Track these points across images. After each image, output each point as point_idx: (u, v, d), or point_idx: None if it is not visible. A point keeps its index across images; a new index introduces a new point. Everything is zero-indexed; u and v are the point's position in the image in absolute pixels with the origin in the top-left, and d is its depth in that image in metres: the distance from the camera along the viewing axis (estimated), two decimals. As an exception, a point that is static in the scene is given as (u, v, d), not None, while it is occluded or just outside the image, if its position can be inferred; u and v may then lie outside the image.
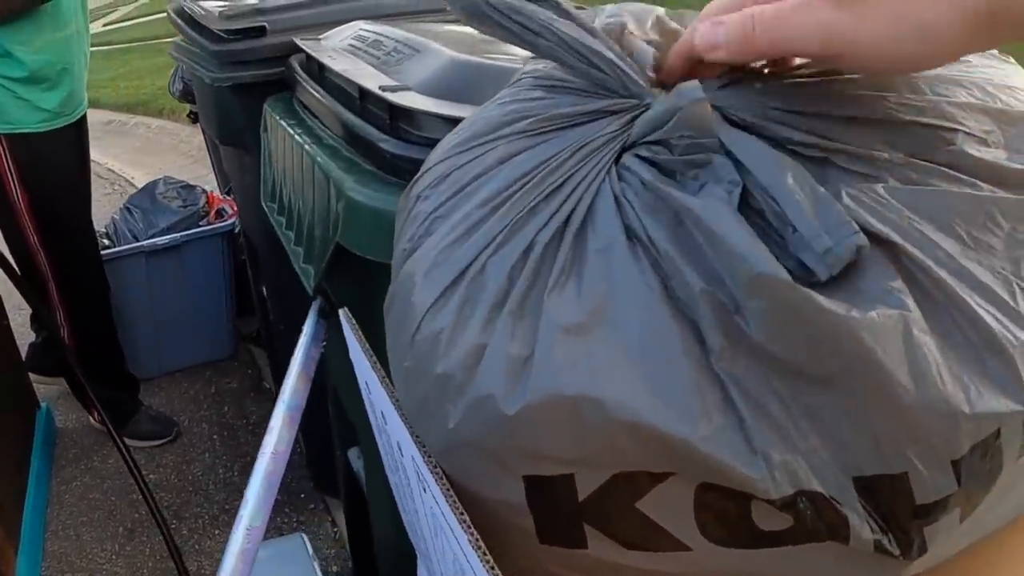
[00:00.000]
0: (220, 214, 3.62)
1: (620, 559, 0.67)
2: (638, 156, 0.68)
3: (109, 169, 6.76)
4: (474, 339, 0.67)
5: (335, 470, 2.26)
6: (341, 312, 0.97)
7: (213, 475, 3.08)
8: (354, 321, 0.93)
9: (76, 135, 3.05)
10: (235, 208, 3.51)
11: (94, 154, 7.47)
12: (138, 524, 2.91)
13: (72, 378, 3.26)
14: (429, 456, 0.71)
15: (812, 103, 0.69)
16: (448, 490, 0.67)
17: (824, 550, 0.65)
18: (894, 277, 0.62)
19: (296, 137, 1.60)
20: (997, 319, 0.63)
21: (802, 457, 0.62)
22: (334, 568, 2.57)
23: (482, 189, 0.72)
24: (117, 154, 7.14)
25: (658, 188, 0.66)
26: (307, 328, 1.27)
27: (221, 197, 3.71)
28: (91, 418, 3.42)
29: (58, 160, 2.90)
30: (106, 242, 3.53)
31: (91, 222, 3.10)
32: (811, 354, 0.61)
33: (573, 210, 0.68)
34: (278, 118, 1.79)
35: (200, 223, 3.57)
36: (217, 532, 2.78)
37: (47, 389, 3.59)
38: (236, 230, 3.52)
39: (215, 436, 3.30)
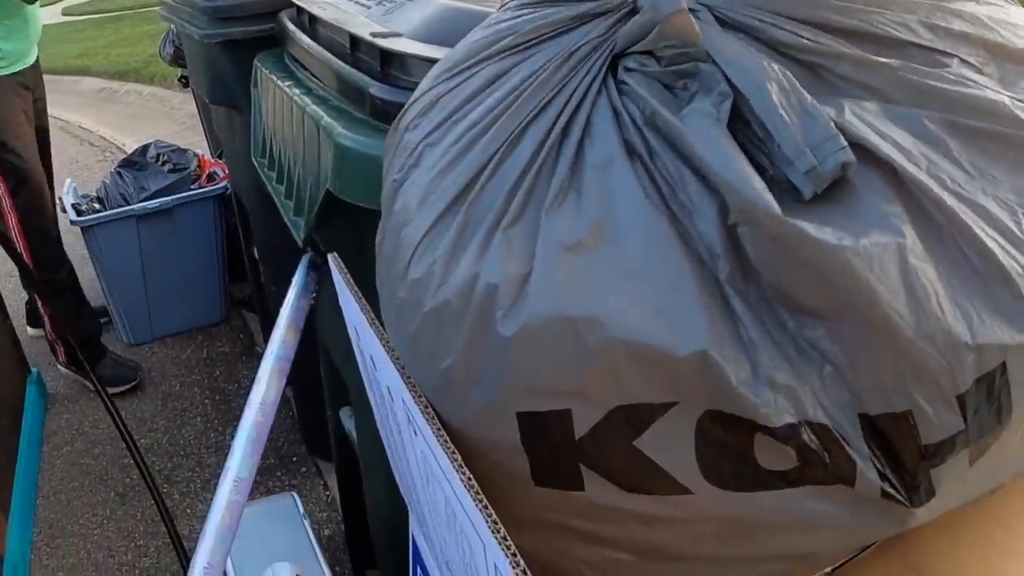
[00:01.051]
0: (212, 177, 3.58)
1: (619, 503, 0.65)
2: (631, 68, 0.66)
3: (101, 136, 6.71)
4: (471, 265, 0.65)
5: (327, 433, 2.24)
6: (330, 256, 0.95)
7: (204, 439, 3.05)
8: (343, 265, 0.91)
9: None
10: (227, 171, 3.47)
11: (86, 121, 7.47)
12: (129, 489, 2.89)
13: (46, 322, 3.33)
14: (420, 395, 0.69)
15: (810, 10, 0.66)
16: (439, 429, 0.65)
17: (829, 496, 0.63)
18: (892, 201, 0.60)
19: (286, 90, 1.57)
20: (1003, 247, 0.61)
21: (808, 387, 0.60)
22: (326, 531, 2.56)
23: (473, 111, 0.70)
24: (109, 121, 7.08)
25: (651, 103, 0.63)
26: (296, 280, 1.25)
27: (213, 160, 3.67)
28: (57, 362, 3.44)
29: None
30: (96, 206, 3.49)
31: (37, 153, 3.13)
32: (804, 285, 0.59)
33: (568, 124, 0.65)
34: (268, 72, 1.76)
35: (192, 186, 3.53)
36: (208, 496, 2.75)
37: (39, 356, 3.56)
38: (228, 193, 3.49)
39: (206, 401, 3.26)
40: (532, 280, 0.62)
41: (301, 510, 1.24)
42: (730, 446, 0.62)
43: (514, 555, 0.55)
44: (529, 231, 0.64)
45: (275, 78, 1.69)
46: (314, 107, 1.39)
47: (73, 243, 4.35)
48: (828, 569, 0.79)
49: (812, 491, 0.63)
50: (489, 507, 0.59)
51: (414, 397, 0.68)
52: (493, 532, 0.56)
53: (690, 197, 0.61)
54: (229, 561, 1.21)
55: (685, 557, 0.71)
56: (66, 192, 3.56)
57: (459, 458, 0.63)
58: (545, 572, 0.75)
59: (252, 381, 1.67)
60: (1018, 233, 0.62)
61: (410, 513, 1.11)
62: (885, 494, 0.62)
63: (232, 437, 3.09)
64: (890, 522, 0.65)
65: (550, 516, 0.69)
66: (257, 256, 2.68)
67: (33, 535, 2.71)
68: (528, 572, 0.54)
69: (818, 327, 0.59)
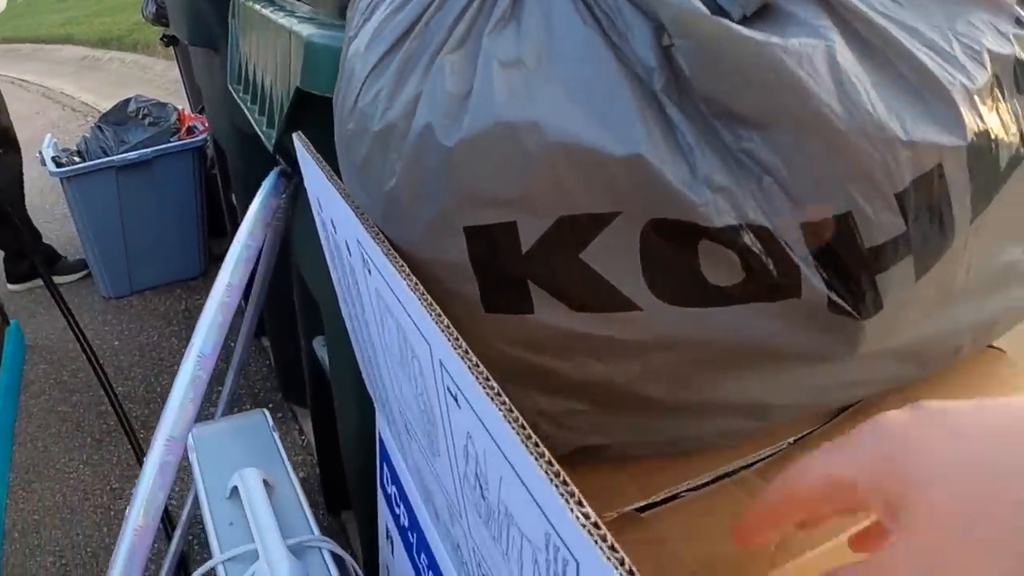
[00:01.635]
0: (191, 131, 3.58)
1: (568, 323, 0.65)
2: None
3: (83, 102, 6.70)
4: (414, 88, 0.66)
5: (303, 380, 2.26)
6: (296, 136, 0.96)
7: (183, 388, 3.08)
8: (308, 142, 0.92)
9: None
10: (206, 125, 3.48)
11: (68, 88, 7.46)
12: (105, 434, 2.90)
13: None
14: (371, 224, 0.70)
15: None
16: (390, 251, 0.66)
17: (778, 313, 0.64)
18: (822, 16, 0.61)
19: (260, 11, 1.59)
20: (935, 61, 0.62)
21: (748, 192, 0.60)
22: (300, 474, 2.57)
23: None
24: (91, 87, 7.07)
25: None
26: (266, 183, 1.26)
27: (193, 115, 3.68)
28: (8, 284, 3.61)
29: None
30: (76, 159, 3.50)
31: None
32: (737, 90, 0.59)
33: None
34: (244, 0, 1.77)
35: (171, 139, 3.54)
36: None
37: (18, 310, 3.58)
38: (207, 147, 3.50)
39: (183, 351, 3.28)
40: (473, 95, 0.63)
41: (271, 424, 1.25)
42: (675, 257, 0.62)
43: (457, 339, 0.56)
44: (471, 54, 0.64)
45: (251, 3, 1.70)
46: (286, 18, 1.40)
47: (55, 204, 4.35)
48: (791, 439, 0.80)
49: (761, 308, 0.63)
50: (445, 319, 0.59)
51: (365, 226, 0.69)
52: (437, 323, 0.57)
53: (626, 23, 0.61)
54: (196, 467, 1.23)
55: (638, 401, 0.71)
56: (46, 146, 3.55)
57: (414, 280, 0.64)
58: None
59: (230, 335, 1.69)
60: (950, 51, 0.63)
61: (377, 412, 1.13)
62: (832, 305, 0.62)
63: (207, 385, 3.11)
64: (841, 341, 0.65)
65: (504, 350, 0.69)
66: (235, 202, 2.70)
67: (8, 479, 2.72)
68: (480, 366, 0.54)
69: (755, 137, 0.60)
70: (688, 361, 0.68)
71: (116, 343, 3.42)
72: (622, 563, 0.41)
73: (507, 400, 0.51)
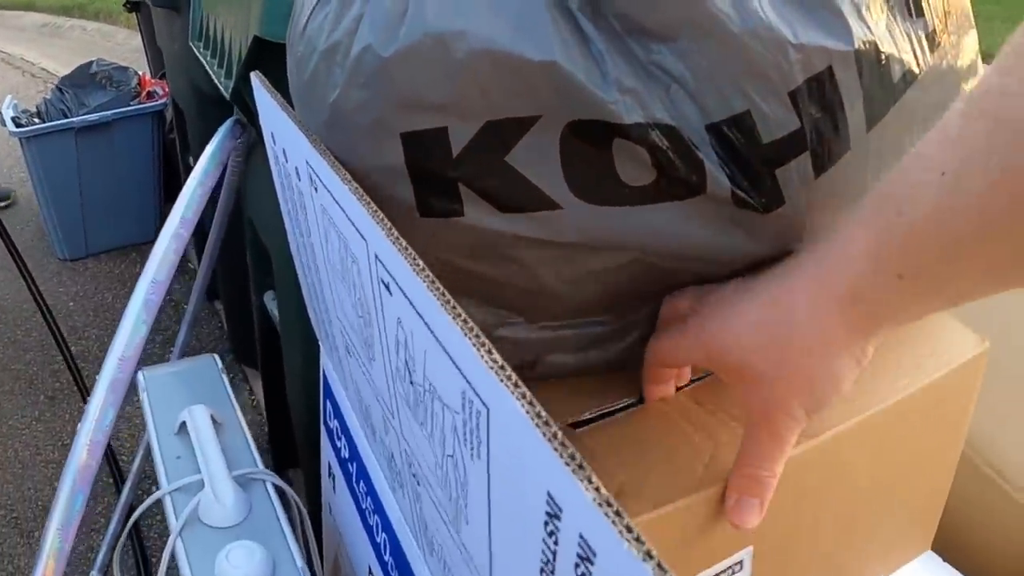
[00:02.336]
0: (151, 95, 3.60)
1: (496, 224, 0.71)
2: None
3: (43, 68, 6.63)
4: (358, 10, 0.71)
5: (253, 343, 2.30)
6: (253, 74, 1.00)
7: (135, 348, 3.09)
8: (265, 79, 0.97)
9: None
10: (166, 90, 3.49)
11: (29, 55, 7.39)
12: (59, 392, 2.92)
13: None
14: (317, 140, 0.75)
15: None
16: (334, 162, 0.71)
17: (689, 209, 0.69)
18: None
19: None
20: None
21: (656, 97, 0.66)
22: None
23: None
24: (52, 55, 7.00)
25: None
26: (222, 129, 1.30)
27: (153, 80, 3.69)
28: None
29: None
30: (36, 120, 3.50)
31: None
32: (646, 5, 0.65)
33: None
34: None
35: (131, 103, 3.55)
36: (136, 399, 2.78)
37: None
38: (166, 111, 3.51)
39: (137, 312, 3.31)
40: (408, 10, 0.68)
41: (220, 367, 1.30)
42: (592, 157, 0.68)
43: (397, 239, 0.61)
44: None
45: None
46: (247, -30, 1.44)
47: (12, 166, 4.34)
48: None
49: (672, 207, 0.69)
50: (380, 213, 0.64)
51: (311, 142, 0.74)
52: (373, 218, 0.63)
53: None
54: (147, 405, 1.27)
55: (564, 310, 0.78)
56: (6, 107, 3.55)
57: (348, 175, 0.70)
58: None
59: (183, 295, 1.73)
60: None
61: (321, 349, 1.17)
62: (737, 199, 0.68)
63: (161, 346, 3.13)
64: (749, 237, 0.71)
65: (438, 256, 0.74)
66: (192, 164, 2.72)
67: (-42, 438, 2.74)
68: (412, 253, 0.59)
69: (663, 49, 0.66)
70: (613, 268, 0.74)
71: (71, 304, 3.44)
72: (531, 404, 0.47)
73: (434, 278, 0.56)
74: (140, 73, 3.71)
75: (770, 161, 0.68)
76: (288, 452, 2.26)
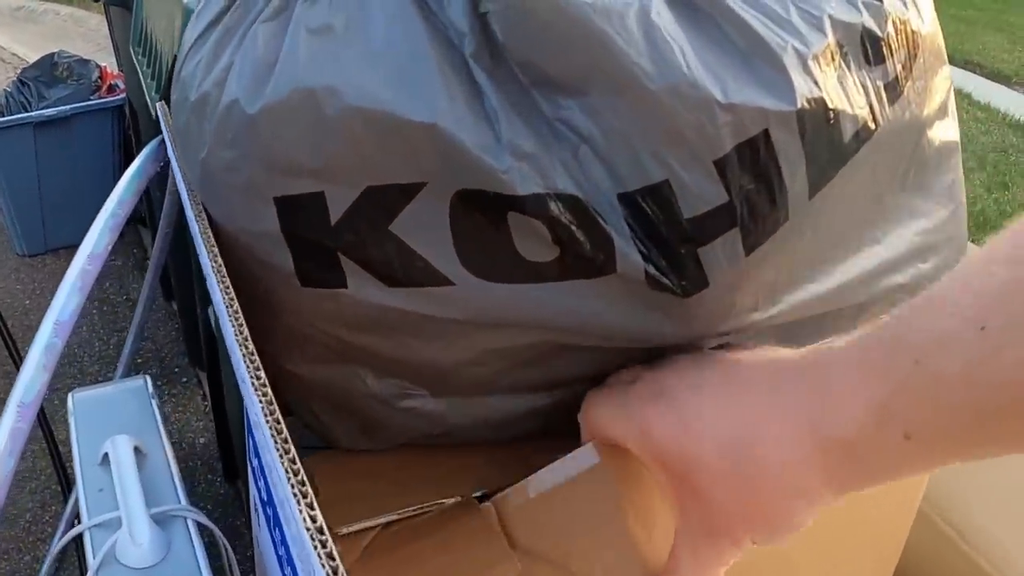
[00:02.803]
0: (112, 89, 3.53)
1: (382, 299, 0.63)
2: None
3: (13, 54, 6.56)
4: (228, 59, 0.64)
5: (208, 343, 2.25)
6: (159, 105, 0.95)
7: (89, 348, 3.03)
8: (166, 108, 0.91)
9: None
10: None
11: (1, 39, 7.30)
12: (6, 395, 2.87)
13: None
14: (193, 192, 0.69)
15: None
16: (205, 228, 0.65)
17: (597, 290, 0.61)
18: None
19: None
20: (766, 24, 0.59)
21: (557, 161, 0.57)
22: (201, 440, 2.56)
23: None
24: (25, 40, 6.92)
25: None
26: (145, 151, 1.24)
27: (116, 73, 3.62)
28: None
29: None
30: (-4, 113, 3.45)
31: None
32: (549, 52, 0.57)
33: None
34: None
35: (91, 97, 3.49)
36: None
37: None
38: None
39: (94, 311, 3.23)
40: (279, 62, 0.61)
41: (150, 391, 1.24)
42: (486, 230, 0.60)
43: (241, 326, 0.55)
44: (284, 22, 0.63)
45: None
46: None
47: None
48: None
49: (580, 286, 0.61)
50: (228, 288, 0.59)
51: (189, 194, 0.68)
52: (227, 308, 0.57)
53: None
54: (73, 432, 1.21)
55: (472, 387, 0.70)
56: (-34, 99, 3.50)
57: (211, 241, 0.64)
58: (347, 416, 0.75)
59: (141, 295, 1.69)
60: (784, 16, 0.60)
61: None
62: (652, 280, 0.59)
63: (116, 347, 3.07)
64: (666, 321, 0.62)
65: (324, 328, 0.68)
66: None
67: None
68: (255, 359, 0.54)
69: (571, 105, 0.57)
70: (516, 346, 0.66)
71: (27, 302, 3.37)
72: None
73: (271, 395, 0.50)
74: (102, 66, 3.64)
75: (692, 240, 0.59)
76: (238, 461, 2.21)
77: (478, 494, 0.72)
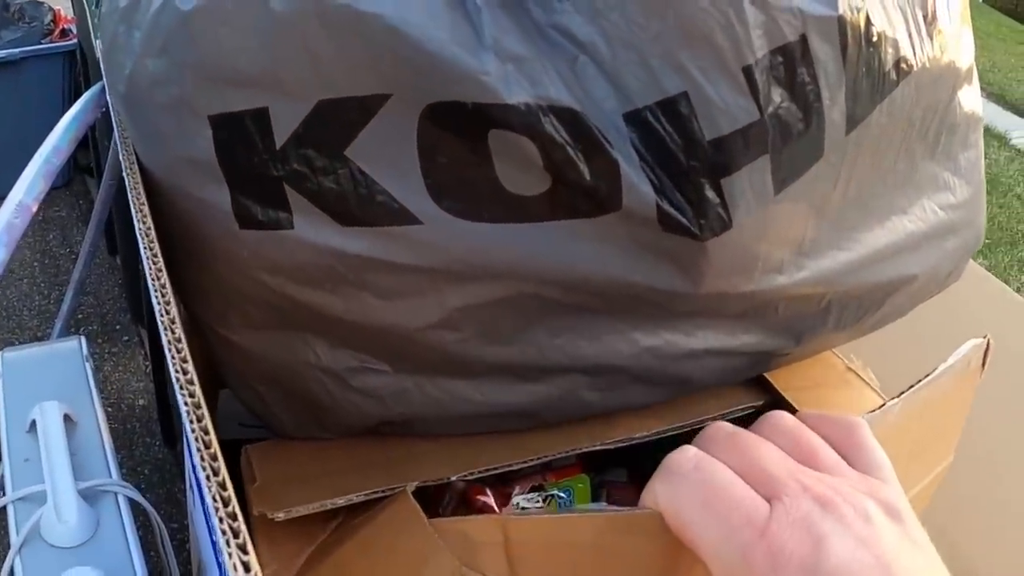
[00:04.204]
0: (65, 34, 3.41)
1: (334, 241, 0.53)
2: None
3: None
4: None
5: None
6: (96, 43, 0.86)
7: (29, 302, 2.91)
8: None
9: None
10: (81, 28, 3.32)
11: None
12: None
13: None
14: (123, 127, 0.58)
15: None
16: (132, 163, 0.55)
17: (595, 230, 0.51)
18: None
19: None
20: None
21: (552, 69, 0.48)
22: (141, 402, 2.45)
23: None
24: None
25: None
26: (85, 96, 1.14)
27: (69, 17, 3.51)
28: None
29: None
30: (-55, 58, 3.33)
31: None
32: None
33: None
34: None
35: (43, 41, 3.37)
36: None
37: None
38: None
39: (36, 263, 3.11)
40: None
41: (84, 352, 1.14)
42: (462, 154, 0.50)
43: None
44: None
45: None
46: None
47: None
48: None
49: (576, 227, 0.51)
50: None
51: (114, 114, 0.57)
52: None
53: None
54: (1, 397, 1.13)
55: (440, 360, 0.59)
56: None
57: (140, 195, 0.54)
58: (293, 396, 0.64)
59: (82, 248, 1.60)
60: None
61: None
62: (664, 218, 0.50)
63: (56, 301, 2.97)
64: (676, 273, 0.53)
65: (266, 281, 0.56)
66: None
67: None
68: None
69: (569, 8, 0.48)
70: (495, 304, 0.56)
71: (-36, 251, 3.26)
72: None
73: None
74: (55, 9, 3.52)
75: (714, 168, 0.49)
76: (177, 426, 2.13)
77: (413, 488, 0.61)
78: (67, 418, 1.00)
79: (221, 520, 0.38)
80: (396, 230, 0.52)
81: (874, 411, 0.56)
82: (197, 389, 0.43)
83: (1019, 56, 6.06)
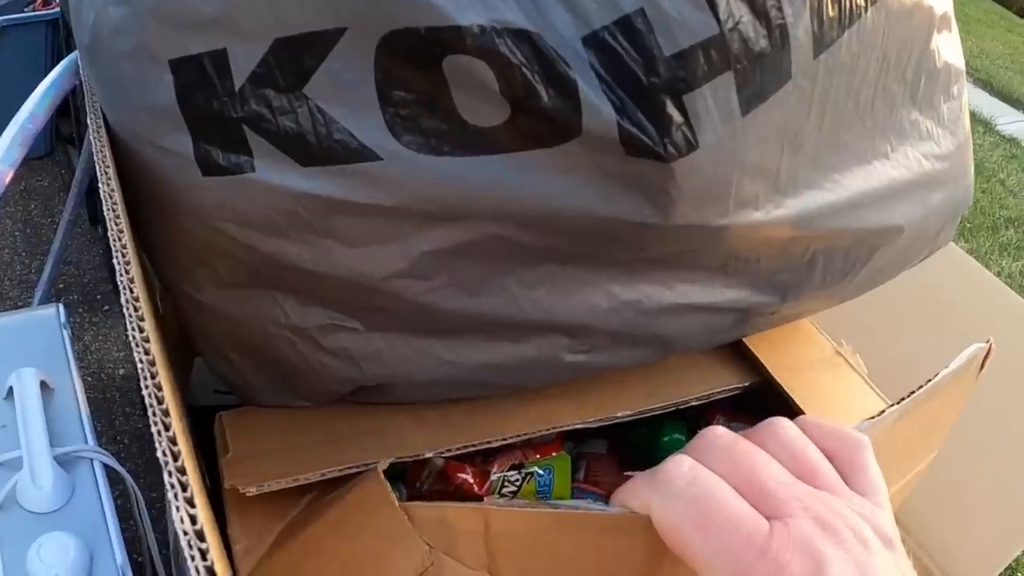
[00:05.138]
0: (48, 2, 3.39)
1: (295, 182, 0.52)
2: None
3: (-48, -34, 6.41)
4: None
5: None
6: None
7: (10, 271, 2.90)
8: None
9: None
10: (65, -3, 3.30)
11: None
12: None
13: None
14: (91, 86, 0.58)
15: None
16: (96, 111, 0.55)
17: (557, 161, 0.50)
18: None
19: None
20: None
21: None
22: (121, 371, 2.44)
23: None
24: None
25: None
26: (63, 63, 1.13)
27: (53, -13, 3.49)
28: None
29: None
30: (-78, 25, 3.31)
31: None
32: None
33: None
34: None
35: (26, 9, 3.34)
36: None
37: None
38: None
39: (17, 233, 3.09)
40: None
41: (62, 320, 1.13)
42: (420, 86, 0.49)
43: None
44: None
45: None
46: None
47: None
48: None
49: (537, 157, 0.50)
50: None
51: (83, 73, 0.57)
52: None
53: None
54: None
55: (412, 314, 0.58)
56: None
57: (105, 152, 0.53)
58: (264, 361, 0.63)
59: (63, 217, 1.59)
60: None
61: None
62: (627, 139, 0.48)
63: (36, 271, 2.95)
64: (644, 202, 0.51)
65: (231, 232, 0.55)
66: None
67: None
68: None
69: None
70: (462, 248, 0.55)
71: (-56, 221, 3.24)
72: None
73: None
74: (38, -23, 3.50)
75: (675, 83, 0.48)
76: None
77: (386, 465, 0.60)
78: (44, 384, 0.99)
79: (170, 474, 0.37)
80: (356, 168, 0.51)
81: (874, 418, 0.56)
82: (152, 346, 0.43)
83: (1006, 43, 6.04)
